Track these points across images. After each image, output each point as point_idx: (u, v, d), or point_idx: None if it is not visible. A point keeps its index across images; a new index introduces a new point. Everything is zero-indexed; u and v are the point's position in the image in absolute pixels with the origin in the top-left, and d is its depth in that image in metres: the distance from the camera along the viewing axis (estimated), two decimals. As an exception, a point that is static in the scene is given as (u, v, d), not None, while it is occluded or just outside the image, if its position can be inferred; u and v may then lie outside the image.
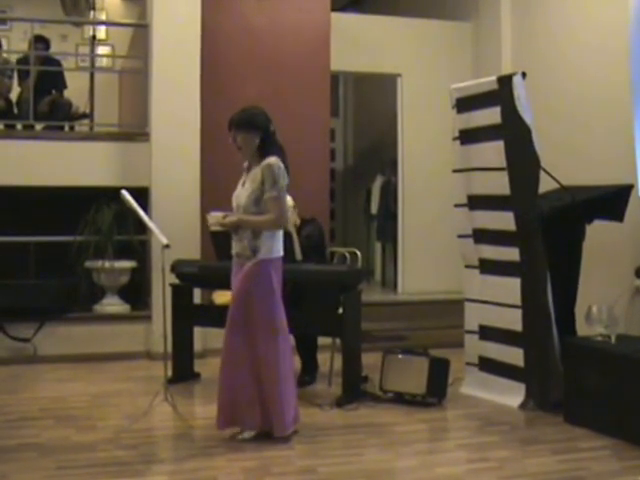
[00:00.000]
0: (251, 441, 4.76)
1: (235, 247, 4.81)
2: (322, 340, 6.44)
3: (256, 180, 4.72)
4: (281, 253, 4.81)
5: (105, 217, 7.44)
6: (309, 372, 6.38)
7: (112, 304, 7.67)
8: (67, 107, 8.54)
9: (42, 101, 8.21)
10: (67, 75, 8.80)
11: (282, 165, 4.71)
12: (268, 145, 4.76)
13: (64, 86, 8.72)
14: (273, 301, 4.72)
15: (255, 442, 4.74)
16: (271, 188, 4.66)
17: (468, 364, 6.13)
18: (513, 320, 5.67)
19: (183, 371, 6.37)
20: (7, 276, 7.31)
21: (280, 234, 4.81)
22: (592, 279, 6.21)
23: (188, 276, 6.38)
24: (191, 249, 7.12)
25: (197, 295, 6.87)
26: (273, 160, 4.69)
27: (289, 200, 6.14)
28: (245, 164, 4.91)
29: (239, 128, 4.78)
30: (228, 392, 4.78)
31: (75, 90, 8.86)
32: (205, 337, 7.20)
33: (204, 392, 6.23)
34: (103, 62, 10.40)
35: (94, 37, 9.39)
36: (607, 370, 4.98)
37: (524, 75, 5.54)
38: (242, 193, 4.80)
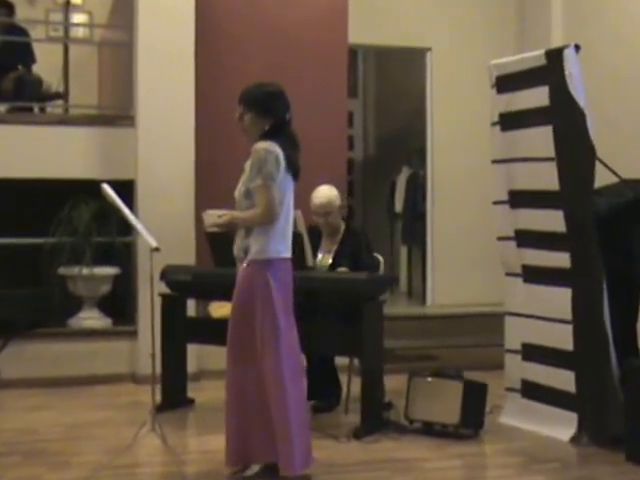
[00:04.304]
0: (254, 479, 4.77)
1: (234, 249, 4.82)
2: (337, 360, 6.46)
3: (247, 170, 4.73)
4: (283, 253, 4.74)
5: (82, 215, 7.48)
6: (324, 397, 6.37)
7: (91, 318, 7.70)
8: (36, 85, 8.59)
9: (6, 78, 8.26)
10: (36, 47, 8.84)
11: (275, 150, 4.64)
12: (276, 134, 4.73)
13: (32, 60, 8.75)
14: (273, 310, 4.67)
15: (258, 480, 4.76)
16: (256, 176, 4.62)
17: (509, 389, 6.15)
18: (563, 338, 5.68)
19: (174, 396, 6.39)
20: (-33, 285, 7.36)
21: (279, 230, 4.71)
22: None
23: (180, 285, 6.40)
24: (184, 253, 7.14)
25: (191, 307, 6.92)
26: (261, 145, 4.65)
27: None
28: None
29: (250, 107, 4.77)
30: (236, 422, 4.75)
31: (46, 65, 8.91)
32: (200, 356, 7.24)
33: (198, 421, 6.29)
34: (79, 32, 10.43)
35: (68, 2, 9.44)
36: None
37: (577, 48, 5.53)
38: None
